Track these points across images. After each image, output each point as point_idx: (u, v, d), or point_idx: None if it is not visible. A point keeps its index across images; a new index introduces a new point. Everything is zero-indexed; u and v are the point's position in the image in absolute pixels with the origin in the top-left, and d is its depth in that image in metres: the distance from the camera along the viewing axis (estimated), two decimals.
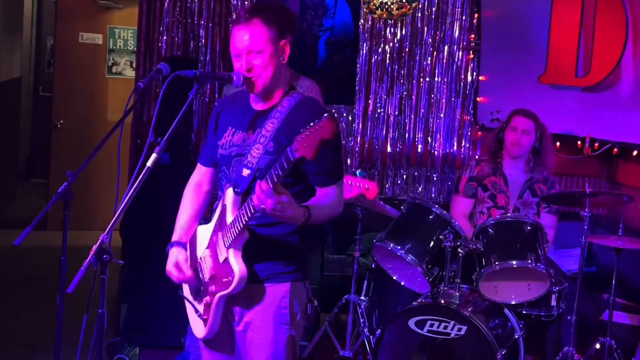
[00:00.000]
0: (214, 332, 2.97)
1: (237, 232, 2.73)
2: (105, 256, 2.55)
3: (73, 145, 8.02)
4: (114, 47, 8.60)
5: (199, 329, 3.02)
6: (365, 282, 4.81)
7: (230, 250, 2.78)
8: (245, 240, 2.79)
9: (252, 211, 2.60)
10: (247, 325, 2.92)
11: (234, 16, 2.78)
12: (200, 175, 3.15)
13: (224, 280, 2.82)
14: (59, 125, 8.33)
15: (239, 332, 2.96)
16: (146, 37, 5.95)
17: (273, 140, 2.80)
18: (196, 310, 3.01)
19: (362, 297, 4.74)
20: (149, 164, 2.65)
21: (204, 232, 3.00)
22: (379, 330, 4.18)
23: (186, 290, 3.09)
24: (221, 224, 2.87)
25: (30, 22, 10.79)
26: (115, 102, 8.39)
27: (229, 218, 2.81)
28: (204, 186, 3.14)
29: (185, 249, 3.03)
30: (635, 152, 5.66)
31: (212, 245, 2.93)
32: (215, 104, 3.24)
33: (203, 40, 6.02)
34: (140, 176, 2.64)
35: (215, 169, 3.06)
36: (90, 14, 8.47)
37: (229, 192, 2.85)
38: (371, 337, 4.53)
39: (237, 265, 2.76)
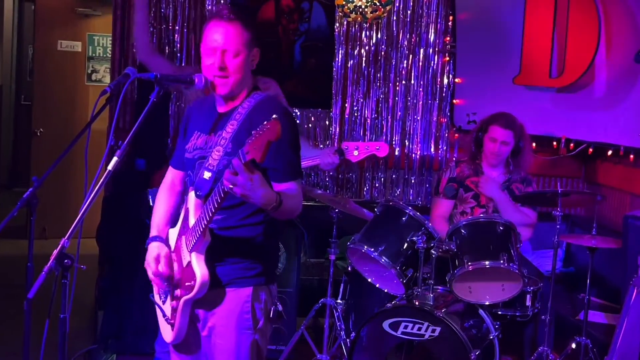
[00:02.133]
0: (182, 336, 2.96)
1: (199, 234, 2.73)
2: (66, 261, 2.53)
3: (53, 153, 7.94)
4: (93, 55, 8.59)
5: (167, 333, 3.02)
6: (342, 285, 4.81)
7: (193, 254, 2.78)
8: (207, 243, 2.78)
9: (221, 196, 2.57)
10: (211, 330, 2.92)
11: (214, 10, 2.79)
12: (172, 176, 3.16)
13: (187, 284, 2.81)
14: (38, 134, 8.29)
15: (204, 336, 2.96)
16: (121, 43, 5.94)
17: (232, 141, 2.81)
18: (164, 315, 3.01)
19: (339, 300, 4.73)
20: (110, 167, 2.63)
21: (172, 236, 3.00)
22: (354, 332, 4.17)
23: (156, 295, 3.08)
24: (184, 228, 2.88)
25: (11, 31, 10.77)
26: (90, 109, 8.36)
27: (192, 221, 2.81)
28: (177, 186, 3.14)
29: (166, 245, 3.00)
30: (610, 152, 5.67)
31: (177, 249, 2.92)
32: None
33: (178, 46, 6.01)
34: (101, 180, 2.62)
35: (185, 171, 3.07)
36: (69, 22, 8.45)
37: (191, 196, 2.86)
38: (348, 340, 4.52)
39: (200, 270, 2.76)
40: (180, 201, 3.13)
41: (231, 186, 2.46)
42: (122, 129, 5.87)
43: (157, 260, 2.93)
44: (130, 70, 2.83)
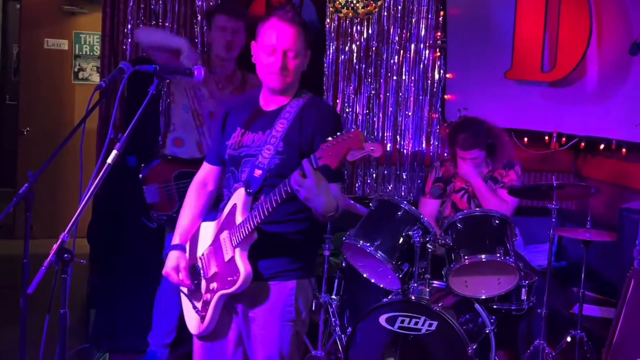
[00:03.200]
0: (211, 329, 2.99)
1: (247, 231, 2.75)
2: (66, 255, 2.50)
3: (40, 152, 7.90)
4: (80, 53, 8.54)
5: (194, 325, 3.04)
6: (336, 281, 4.78)
7: (237, 250, 2.80)
8: (253, 240, 2.80)
9: (282, 197, 2.59)
10: (253, 321, 2.94)
11: (273, 10, 2.82)
12: (205, 173, 3.18)
13: (229, 279, 2.83)
14: (25, 133, 8.22)
15: (243, 328, 2.97)
16: (110, 40, 5.87)
17: (283, 140, 2.85)
18: (194, 307, 3.03)
19: (333, 296, 4.71)
20: (109, 160, 2.61)
21: (208, 230, 3.03)
22: (350, 328, 4.15)
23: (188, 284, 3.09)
24: (229, 223, 2.88)
25: None
26: (82, 108, 8.30)
27: (239, 218, 2.82)
28: (208, 185, 3.16)
29: (185, 252, 3.04)
30: (602, 146, 5.68)
31: (216, 243, 2.94)
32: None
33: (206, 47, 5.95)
34: (101, 173, 2.59)
35: (222, 167, 3.10)
36: (55, 20, 8.41)
37: (240, 192, 2.88)
38: (343, 336, 4.50)
39: (243, 266, 2.78)
40: (210, 202, 3.15)
41: (298, 188, 2.48)
42: (113, 126, 5.79)
43: (176, 270, 2.98)
44: (125, 65, 2.81)
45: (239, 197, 2.87)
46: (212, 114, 4.49)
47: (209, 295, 2.93)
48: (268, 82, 2.92)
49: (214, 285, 2.91)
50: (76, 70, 8.54)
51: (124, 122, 5.69)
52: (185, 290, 3.07)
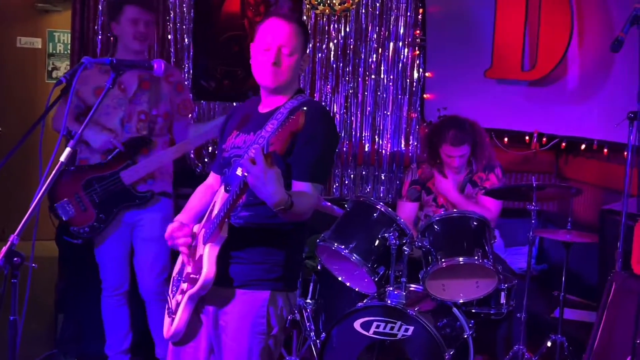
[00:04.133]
0: (181, 333, 2.87)
1: (215, 226, 2.64)
2: (15, 259, 2.36)
3: (14, 155, 7.74)
4: (54, 52, 8.40)
5: (167, 328, 2.94)
6: (311, 284, 4.68)
7: (207, 247, 2.69)
8: (223, 239, 2.68)
9: (240, 187, 2.46)
10: (223, 330, 2.82)
11: (271, 8, 2.78)
12: (211, 180, 3.13)
13: (192, 276, 2.74)
14: None
15: (213, 336, 2.86)
16: (80, 37, 5.74)
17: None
18: (168, 307, 2.94)
19: (308, 300, 4.60)
20: (62, 158, 2.49)
21: (196, 230, 2.94)
22: (324, 333, 4.05)
23: (171, 287, 3.00)
24: (207, 220, 2.82)
25: None
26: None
27: (214, 213, 2.73)
28: (214, 187, 3.08)
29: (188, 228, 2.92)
30: (583, 146, 5.62)
31: (196, 242, 2.85)
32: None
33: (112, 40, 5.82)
34: (53, 172, 2.46)
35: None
36: (28, 18, 8.28)
37: (220, 191, 2.82)
38: (318, 341, 4.39)
39: (207, 265, 2.66)
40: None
41: (246, 174, 2.37)
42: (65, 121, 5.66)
43: (178, 230, 2.86)
44: (86, 59, 2.71)
45: (218, 195, 2.82)
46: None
47: (180, 297, 2.84)
48: (260, 80, 2.85)
49: (185, 285, 2.81)
50: (50, 69, 8.40)
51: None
52: (170, 290, 2.99)
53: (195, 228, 2.93)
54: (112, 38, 5.30)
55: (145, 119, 4.31)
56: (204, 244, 2.70)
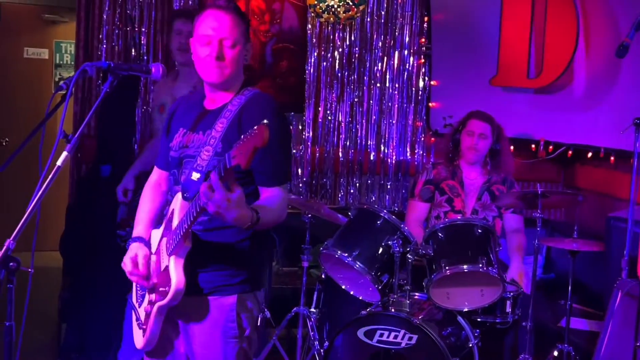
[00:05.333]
0: (153, 343, 2.81)
1: (179, 237, 2.58)
2: (11, 264, 2.33)
3: (19, 163, 7.67)
4: (61, 62, 8.42)
5: (138, 338, 2.87)
6: (315, 293, 4.65)
7: (172, 258, 2.63)
8: (187, 249, 2.63)
9: (197, 210, 2.41)
10: (193, 339, 2.77)
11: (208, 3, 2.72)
12: (157, 176, 3.04)
13: (161, 289, 2.67)
14: (4, 144, 8.07)
15: (186, 345, 2.81)
16: (85, 45, 5.75)
17: (222, 141, 2.68)
18: (137, 319, 2.87)
19: (312, 309, 4.57)
20: (58, 163, 2.46)
21: (155, 237, 2.86)
22: (328, 342, 4.01)
23: (134, 297, 2.94)
24: (167, 229, 2.73)
25: None
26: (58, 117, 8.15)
27: (175, 223, 2.66)
28: (162, 185, 3.02)
29: (147, 246, 2.86)
30: (590, 154, 5.57)
31: (158, 252, 2.78)
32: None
33: (145, 48, 5.83)
34: (49, 176, 2.44)
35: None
36: (35, 29, 8.29)
37: (178, 197, 2.73)
38: (321, 350, 4.36)
39: (176, 276, 2.60)
40: (166, 201, 2.99)
41: (206, 201, 2.30)
42: (87, 135, 5.66)
43: (134, 261, 2.78)
44: (87, 65, 2.67)
45: (176, 202, 2.72)
46: None
47: (149, 307, 2.77)
48: (205, 76, 2.78)
49: (152, 296, 2.75)
50: (57, 79, 8.41)
51: (100, 128, 5.57)
52: (134, 300, 2.92)
53: (154, 235, 2.87)
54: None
55: None
56: (169, 255, 2.65)
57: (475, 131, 4.65)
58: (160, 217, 2.98)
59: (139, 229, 2.93)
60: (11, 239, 2.37)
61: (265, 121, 2.24)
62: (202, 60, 2.75)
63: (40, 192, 2.43)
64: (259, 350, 4.66)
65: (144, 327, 2.80)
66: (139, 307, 2.88)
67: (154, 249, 2.83)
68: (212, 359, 2.76)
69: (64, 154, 2.49)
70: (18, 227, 2.38)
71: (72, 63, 8.34)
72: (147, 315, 2.78)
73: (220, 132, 2.69)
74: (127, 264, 2.78)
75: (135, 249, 2.82)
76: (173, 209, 2.72)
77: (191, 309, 2.73)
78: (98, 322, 4.75)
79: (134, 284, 2.92)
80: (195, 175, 2.67)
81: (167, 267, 2.65)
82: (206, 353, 2.75)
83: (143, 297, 2.85)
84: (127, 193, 4.55)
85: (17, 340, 2.39)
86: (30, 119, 8.13)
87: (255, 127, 2.22)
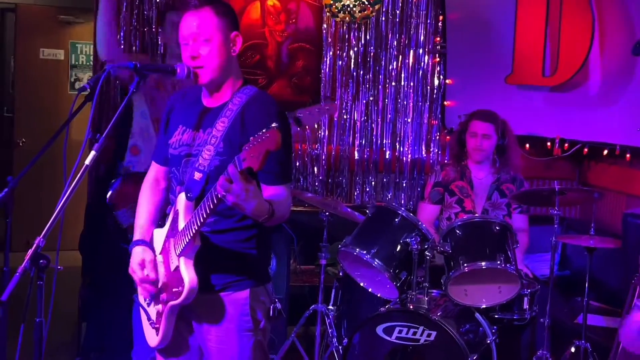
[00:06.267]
0: (167, 341, 2.85)
1: (189, 238, 2.61)
2: (41, 261, 2.38)
3: (35, 164, 7.78)
4: (76, 63, 8.46)
5: (151, 337, 2.90)
6: (333, 290, 4.68)
7: (182, 259, 2.65)
8: (197, 248, 2.66)
9: (214, 202, 2.43)
10: (209, 335, 2.81)
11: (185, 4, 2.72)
12: (155, 172, 3.04)
13: (174, 290, 2.69)
14: (20, 144, 8.14)
15: (201, 342, 2.85)
16: None
17: (223, 140, 2.70)
18: (149, 318, 2.90)
19: (330, 307, 4.60)
20: (87, 162, 2.50)
21: (159, 237, 2.87)
22: (347, 339, 4.04)
23: (141, 296, 2.95)
24: (173, 230, 2.75)
25: None
26: (78, 118, 8.08)
27: (181, 224, 2.69)
28: (160, 183, 3.03)
29: (151, 249, 2.88)
30: (605, 152, 5.58)
31: (164, 252, 2.80)
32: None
33: (162, 49, 5.86)
34: (78, 175, 2.48)
35: (169, 167, 2.95)
36: (51, 30, 8.34)
37: (181, 197, 2.74)
38: (340, 347, 4.39)
39: (188, 275, 2.64)
40: (165, 198, 3.01)
41: (224, 193, 2.33)
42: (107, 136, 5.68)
43: (142, 265, 2.80)
44: (109, 66, 2.71)
45: (180, 202, 2.74)
46: None
47: (160, 307, 2.80)
48: (196, 78, 2.75)
49: (164, 295, 2.77)
50: (73, 80, 8.45)
51: (117, 126, 5.59)
52: (142, 300, 2.94)
53: (157, 234, 2.89)
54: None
55: None
56: (178, 256, 2.67)
57: (479, 132, 4.67)
58: (160, 216, 3.00)
59: (140, 231, 2.93)
60: (41, 236, 2.42)
61: (275, 125, 2.26)
62: (185, 63, 2.74)
63: (69, 191, 2.47)
64: (278, 348, 4.70)
65: (157, 326, 2.83)
66: (148, 306, 2.90)
67: (158, 250, 2.85)
68: (228, 354, 2.79)
69: (92, 153, 2.53)
70: (48, 225, 2.42)
71: (88, 64, 8.40)
72: (159, 314, 2.81)
73: (222, 131, 2.70)
74: (136, 271, 2.80)
75: (140, 254, 2.84)
76: (177, 210, 2.74)
77: (204, 306, 2.76)
78: (118, 321, 4.77)
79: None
80: (198, 175, 2.69)
81: (177, 268, 2.67)
82: (222, 348, 2.79)
83: (152, 296, 2.87)
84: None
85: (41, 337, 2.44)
86: (47, 119, 8.21)
87: (266, 131, 2.24)
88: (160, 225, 2.93)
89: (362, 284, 4.29)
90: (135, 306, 4.42)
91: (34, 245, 2.38)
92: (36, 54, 8.29)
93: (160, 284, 2.80)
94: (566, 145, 5.84)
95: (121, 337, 4.73)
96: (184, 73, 2.69)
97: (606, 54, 5.37)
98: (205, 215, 2.50)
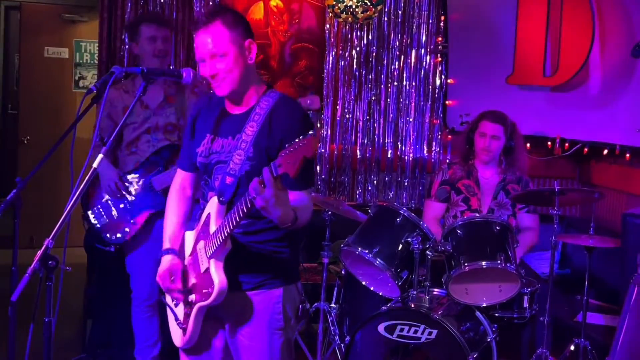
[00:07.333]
0: (193, 341, 2.91)
1: (220, 241, 2.66)
2: (50, 262, 2.43)
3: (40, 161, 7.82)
4: (81, 61, 8.49)
5: (177, 337, 2.97)
6: (335, 289, 4.72)
7: (212, 261, 2.71)
8: (227, 251, 2.72)
9: (248, 205, 2.48)
10: (240, 333, 2.86)
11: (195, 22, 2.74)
12: (181, 179, 3.10)
13: (204, 291, 2.75)
14: (25, 142, 8.19)
15: (230, 340, 2.90)
16: (108, 46, 5.83)
17: (253, 145, 2.74)
18: (176, 318, 2.95)
19: (333, 305, 4.65)
20: (94, 165, 2.55)
21: (190, 239, 2.94)
22: (349, 337, 4.08)
23: (168, 297, 3.01)
24: (204, 233, 2.81)
25: None
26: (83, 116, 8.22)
27: (213, 227, 2.75)
28: (187, 190, 3.09)
29: (180, 256, 2.95)
30: (605, 151, 5.61)
31: (194, 254, 2.86)
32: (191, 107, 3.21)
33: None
34: (86, 179, 2.53)
35: (196, 173, 3.02)
36: (55, 28, 8.37)
37: (213, 201, 2.80)
38: (342, 344, 4.44)
39: (218, 277, 2.69)
40: (191, 207, 3.08)
41: (255, 196, 2.37)
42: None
43: (170, 274, 2.88)
44: (116, 68, 2.76)
45: (212, 206, 2.79)
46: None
47: (188, 308, 2.86)
48: (214, 91, 2.81)
49: (192, 297, 2.83)
50: (77, 78, 8.49)
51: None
52: (169, 300, 2.99)
53: (188, 236, 2.94)
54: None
55: (172, 130, 4.35)
56: (209, 258, 2.72)
57: (488, 133, 4.69)
58: (187, 224, 3.06)
59: (170, 241, 3.00)
60: (50, 237, 2.46)
61: (311, 132, 2.31)
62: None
63: (77, 194, 2.52)
64: None
65: (184, 326, 2.88)
66: (176, 307, 2.95)
67: (188, 252, 2.92)
68: (258, 351, 2.84)
69: (100, 156, 2.57)
70: (57, 226, 2.47)
71: (92, 62, 8.43)
72: (187, 315, 2.87)
73: (251, 136, 2.74)
74: (164, 279, 2.88)
75: (168, 262, 2.91)
76: (209, 213, 2.79)
77: (235, 305, 2.81)
78: (123, 318, 4.81)
79: None
80: (229, 179, 2.74)
81: (207, 269, 2.72)
82: (253, 345, 2.84)
83: (179, 297, 2.93)
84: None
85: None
86: (51, 117, 8.25)
87: (303, 138, 2.28)
88: (192, 227, 2.99)
89: (364, 283, 4.33)
90: (135, 307, 4.48)
91: (43, 247, 2.42)
92: (40, 52, 8.32)
93: (189, 285, 2.86)
94: (566, 144, 5.86)
95: (126, 334, 4.78)
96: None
97: (606, 54, 5.40)
98: (238, 219, 2.55)
